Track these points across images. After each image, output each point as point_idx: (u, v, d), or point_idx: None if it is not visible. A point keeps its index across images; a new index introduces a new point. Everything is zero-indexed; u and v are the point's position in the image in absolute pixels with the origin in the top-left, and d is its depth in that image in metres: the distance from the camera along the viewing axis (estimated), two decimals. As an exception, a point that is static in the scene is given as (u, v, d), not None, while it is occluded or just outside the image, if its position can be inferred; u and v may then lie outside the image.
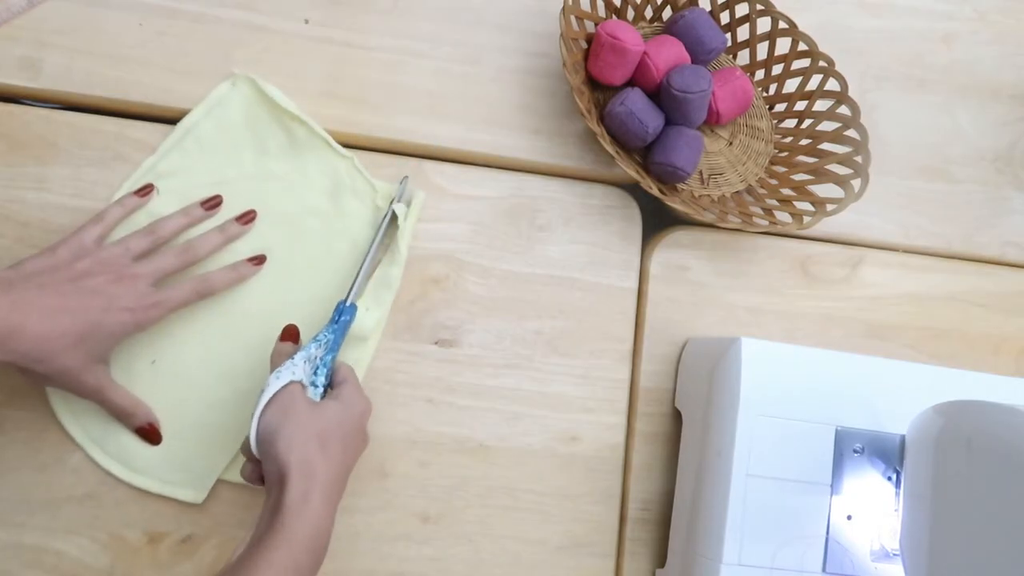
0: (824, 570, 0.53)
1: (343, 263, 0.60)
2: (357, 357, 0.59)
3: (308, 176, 0.61)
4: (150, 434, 0.55)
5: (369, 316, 0.59)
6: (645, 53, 0.62)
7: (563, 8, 0.61)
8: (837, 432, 0.55)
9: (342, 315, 0.56)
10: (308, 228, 0.61)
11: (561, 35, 0.61)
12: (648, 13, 0.69)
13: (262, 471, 0.49)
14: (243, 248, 0.59)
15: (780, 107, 0.70)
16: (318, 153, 0.61)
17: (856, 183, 0.63)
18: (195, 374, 0.57)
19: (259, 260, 0.58)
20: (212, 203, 0.58)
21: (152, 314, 0.52)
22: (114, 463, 0.55)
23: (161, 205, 0.58)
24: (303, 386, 0.51)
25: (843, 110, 0.66)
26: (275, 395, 0.49)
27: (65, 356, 0.48)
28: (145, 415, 0.55)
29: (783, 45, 0.68)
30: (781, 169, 0.67)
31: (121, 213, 0.56)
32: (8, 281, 0.48)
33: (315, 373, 0.53)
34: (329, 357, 0.54)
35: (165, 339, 0.57)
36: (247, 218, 0.58)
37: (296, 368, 0.51)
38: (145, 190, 0.57)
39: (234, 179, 0.60)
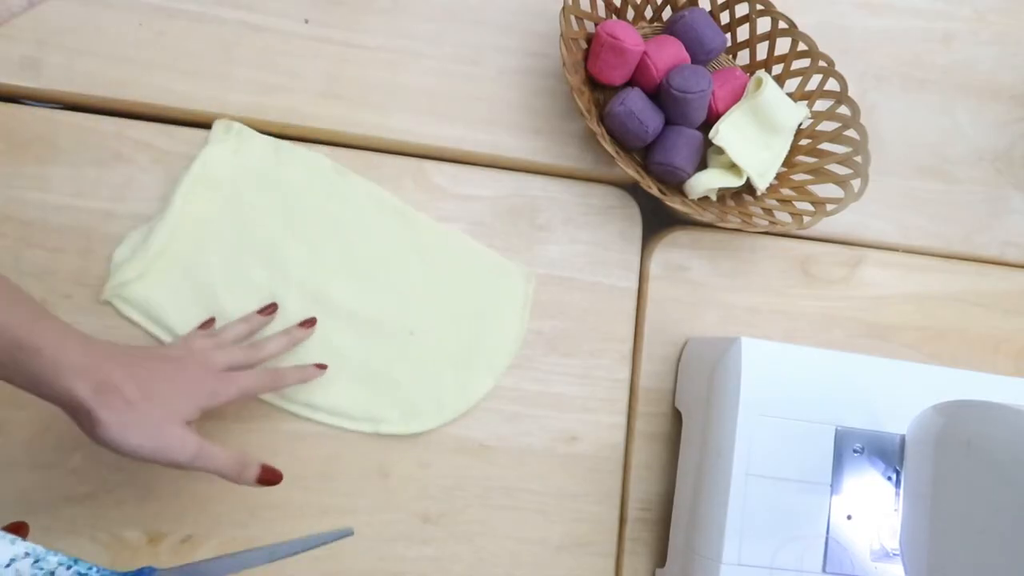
0: (824, 570, 0.53)
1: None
2: None
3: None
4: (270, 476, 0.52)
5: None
6: (645, 53, 0.62)
7: (563, 8, 0.61)
8: (837, 432, 0.55)
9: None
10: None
11: (561, 35, 0.61)
12: (648, 13, 0.69)
13: None
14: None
15: (780, 107, 0.69)
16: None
17: (856, 183, 0.63)
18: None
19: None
20: (268, 311, 0.58)
21: (228, 389, 0.51)
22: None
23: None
24: None
25: (843, 110, 0.66)
26: None
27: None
28: (255, 462, 0.51)
29: (783, 45, 0.68)
30: (781, 169, 0.67)
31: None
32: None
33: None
34: None
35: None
36: (310, 324, 0.58)
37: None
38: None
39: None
